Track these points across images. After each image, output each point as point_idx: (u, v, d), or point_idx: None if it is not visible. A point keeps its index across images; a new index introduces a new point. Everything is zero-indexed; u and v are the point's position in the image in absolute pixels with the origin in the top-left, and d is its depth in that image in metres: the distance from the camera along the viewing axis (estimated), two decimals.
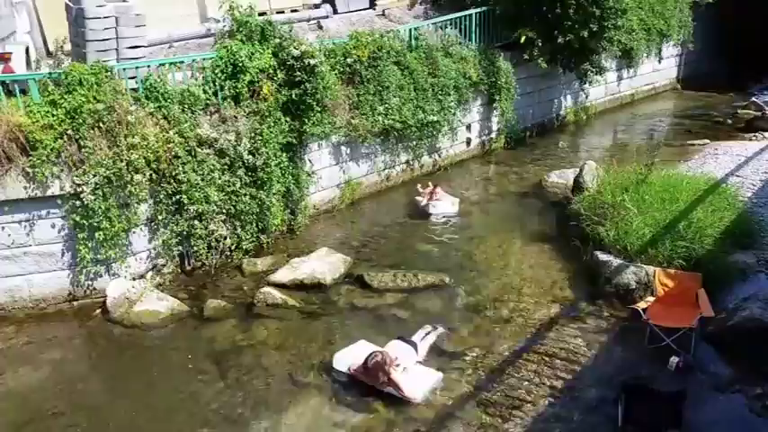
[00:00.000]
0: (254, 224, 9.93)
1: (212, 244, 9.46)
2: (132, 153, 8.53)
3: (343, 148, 11.84)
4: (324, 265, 9.41)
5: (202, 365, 7.51)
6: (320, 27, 14.77)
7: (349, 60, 11.46)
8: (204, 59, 9.93)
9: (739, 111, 17.40)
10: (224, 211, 9.48)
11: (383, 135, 12.27)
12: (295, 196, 10.74)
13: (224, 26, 10.64)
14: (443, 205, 11.55)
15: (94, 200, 8.33)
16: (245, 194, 9.62)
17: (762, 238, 9.57)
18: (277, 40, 10.26)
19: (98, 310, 8.66)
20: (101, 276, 8.88)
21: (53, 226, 8.52)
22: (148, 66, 9.43)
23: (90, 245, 8.55)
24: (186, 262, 9.60)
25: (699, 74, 20.98)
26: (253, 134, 9.76)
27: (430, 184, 11.98)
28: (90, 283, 8.85)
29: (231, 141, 9.46)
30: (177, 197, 9.05)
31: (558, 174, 13.08)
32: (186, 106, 9.31)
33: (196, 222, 9.23)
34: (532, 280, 9.14)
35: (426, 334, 7.67)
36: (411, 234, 10.94)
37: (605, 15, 14.14)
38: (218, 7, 10.55)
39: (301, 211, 10.92)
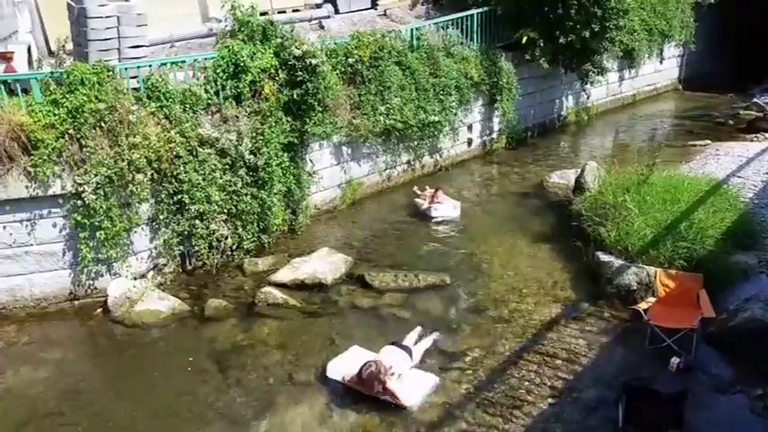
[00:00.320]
0: (256, 224, 9.94)
1: (213, 244, 9.46)
2: (134, 153, 8.53)
3: (344, 148, 11.84)
4: (325, 264, 9.41)
5: (203, 365, 7.51)
6: (322, 27, 14.77)
7: (350, 60, 11.47)
8: (206, 59, 9.94)
9: (741, 111, 17.40)
10: (225, 210, 9.48)
11: (384, 135, 12.27)
12: (296, 196, 10.74)
13: (225, 26, 10.65)
14: (445, 208, 11.50)
15: (96, 199, 8.33)
16: (246, 194, 9.62)
17: (763, 239, 9.57)
18: (278, 40, 10.27)
19: (99, 310, 8.66)
20: (102, 276, 8.89)
21: (54, 225, 8.53)
22: (150, 65, 9.44)
23: (91, 244, 8.56)
24: (187, 261, 9.61)
25: (700, 74, 20.96)
26: (254, 134, 9.77)
27: (427, 187, 11.96)
28: (91, 282, 8.86)
29: (232, 141, 9.46)
30: (178, 197, 9.05)
31: (560, 174, 13.08)
32: (188, 106, 9.32)
33: (197, 222, 9.23)
34: (533, 280, 9.13)
35: (420, 338, 7.62)
36: (412, 234, 10.94)
37: (607, 16, 14.13)
38: (219, 7, 10.56)
39: (302, 210, 10.92)
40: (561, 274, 9.27)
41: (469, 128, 14.47)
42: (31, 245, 8.51)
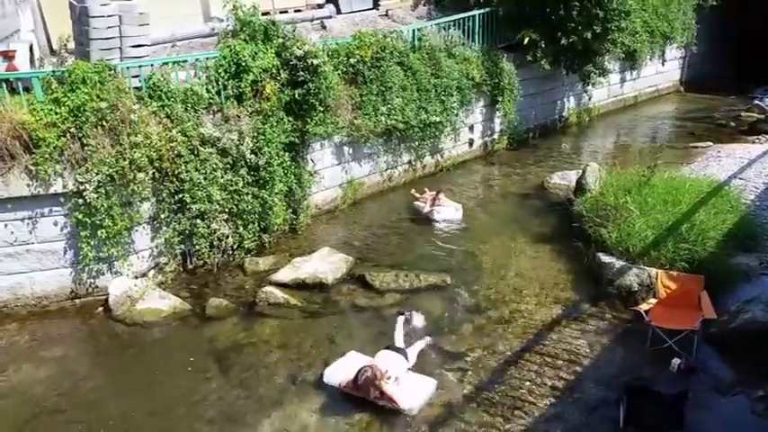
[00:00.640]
0: (257, 223, 9.94)
1: (214, 243, 9.47)
2: (135, 152, 8.54)
3: (345, 148, 11.84)
4: (326, 264, 9.41)
5: (204, 364, 7.51)
6: (323, 27, 14.78)
7: (352, 60, 11.48)
8: (207, 59, 9.94)
9: (742, 113, 17.39)
10: (226, 210, 9.49)
11: (385, 135, 12.28)
12: (297, 196, 10.75)
13: (227, 25, 10.64)
14: (447, 211, 11.43)
15: (97, 198, 8.34)
16: (247, 194, 9.63)
17: (765, 240, 9.57)
18: (280, 40, 10.27)
19: (100, 308, 8.67)
20: (103, 274, 8.89)
21: (56, 224, 8.53)
22: (152, 64, 9.45)
23: (92, 243, 8.57)
24: (188, 260, 9.61)
25: (702, 76, 20.95)
26: (255, 133, 9.78)
27: (426, 189, 11.94)
28: (92, 280, 8.86)
29: (234, 141, 9.47)
30: (180, 196, 9.06)
31: (561, 175, 13.08)
32: (189, 105, 9.33)
33: (198, 221, 9.24)
34: (534, 281, 9.13)
35: (406, 321, 7.68)
36: (413, 234, 10.94)
37: (609, 17, 14.13)
38: (221, 6, 10.56)
39: (303, 210, 10.93)
40: (562, 275, 9.27)
41: (471, 128, 14.47)
42: (33, 243, 8.51)
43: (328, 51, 11.16)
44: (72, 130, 8.33)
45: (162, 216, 9.11)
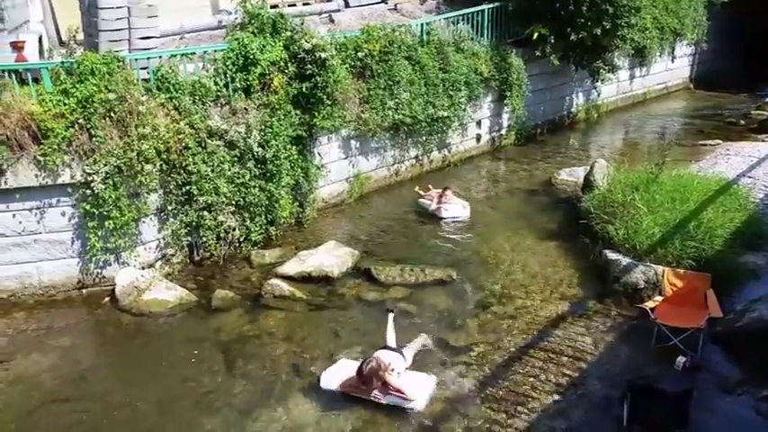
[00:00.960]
0: (263, 216, 9.96)
1: (221, 235, 9.50)
2: (143, 143, 8.57)
3: (352, 141, 11.84)
4: (331, 258, 9.43)
5: (209, 355, 7.55)
6: (332, 20, 14.73)
7: (360, 54, 11.46)
8: (216, 51, 9.95)
9: (752, 111, 17.28)
10: (233, 202, 9.52)
11: (393, 130, 12.26)
12: (304, 189, 10.76)
13: (236, 18, 10.66)
14: (455, 209, 11.31)
15: (105, 189, 8.38)
16: (254, 186, 9.65)
17: None
18: (288, 33, 10.27)
19: (107, 298, 8.72)
20: (110, 265, 8.94)
21: (63, 214, 8.58)
22: (160, 56, 9.47)
23: (100, 233, 8.61)
24: (195, 252, 9.65)
25: (712, 74, 20.83)
26: (263, 126, 9.79)
27: (430, 186, 11.90)
28: (99, 271, 8.91)
29: (241, 133, 9.49)
30: (187, 188, 9.09)
31: (568, 171, 13.06)
32: (197, 98, 9.35)
33: (205, 213, 9.27)
34: (540, 277, 9.12)
35: (393, 330, 7.48)
36: (419, 229, 10.94)
37: (619, 13, 14.06)
38: None
39: (310, 204, 10.94)
40: (568, 272, 9.25)
41: (478, 124, 14.44)
42: (40, 233, 8.56)
43: (336, 45, 11.15)
44: (80, 121, 8.36)
45: (169, 208, 9.14)
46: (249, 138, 9.53)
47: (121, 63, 8.80)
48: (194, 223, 9.31)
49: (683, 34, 19.38)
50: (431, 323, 8.09)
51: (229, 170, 9.40)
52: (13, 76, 8.39)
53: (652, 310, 7.59)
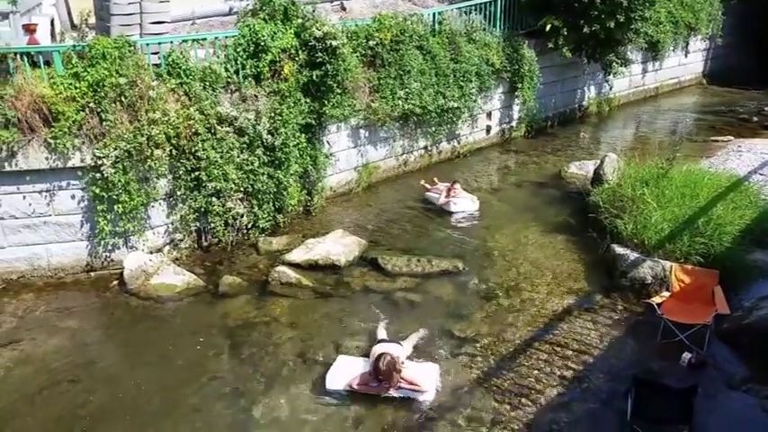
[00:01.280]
0: (271, 203, 9.99)
1: (229, 221, 9.53)
2: (153, 128, 8.59)
3: (361, 131, 11.82)
4: (338, 246, 9.44)
5: (215, 339, 7.60)
6: (343, 8, 14.69)
7: (371, 43, 11.42)
8: (227, 37, 9.94)
9: (766, 108, 17.11)
10: (242, 189, 9.54)
11: (402, 120, 12.23)
12: (312, 177, 10.77)
13: (247, 5, 10.63)
14: (464, 203, 11.19)
15: (114, 173, 8.41)
16: (262, 174, 9.67)
17: None
18: (300, 21, 10.25)
19: (115, 282, 8.78)
20: (118, 248, 8.99)
21: (73, 197, 8.63)
22: (171, 42, 9.47)
23: (109, 217, 8.66)
24: (203, 238, 9.69)
25: (726, 69, 20.63)
26: (272, 114, 9.80)
27: (436, 179, 11.85)
28: (108, 254, 8.97)
29: (251, 120, 9.49)
30: (196, 174, 9.11)
31: (578, 165, 13.01)
32: (207, 84, 9.35)
33: (214, 199, 9.30)
34: (547, 270, 9.10)
35: (381, 328, 7.54)
36: (426, 220, 10.93)
37: (632, 6, 13.93)
38: None
39: (318, 192, 10.95)
40: (575, 265, 9.23)
41: (489, 115, 14.39)
42: (50, 215, 8.62)
43: (347, 33, 11.11)
44: (91, 104, 8.38)
45: (178, 193, 9.18)
46: (258, 125, 9.54)
47: (133, 48, 8.80)
48: (203, 209, 9.35)
49: (698, 29, 19.20)
50: (437, 313, 8.10)
51: (238, 157, 9.42)
52: (25, 59, 8.42)
53: (659, 305, 7.57)
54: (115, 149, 8.37)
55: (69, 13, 12.39)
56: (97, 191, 8.48)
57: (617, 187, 10.15)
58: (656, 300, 7.71)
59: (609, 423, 6.30)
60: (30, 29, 9.40)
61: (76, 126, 8.31)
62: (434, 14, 12.87)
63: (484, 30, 13.58)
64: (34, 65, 8.54)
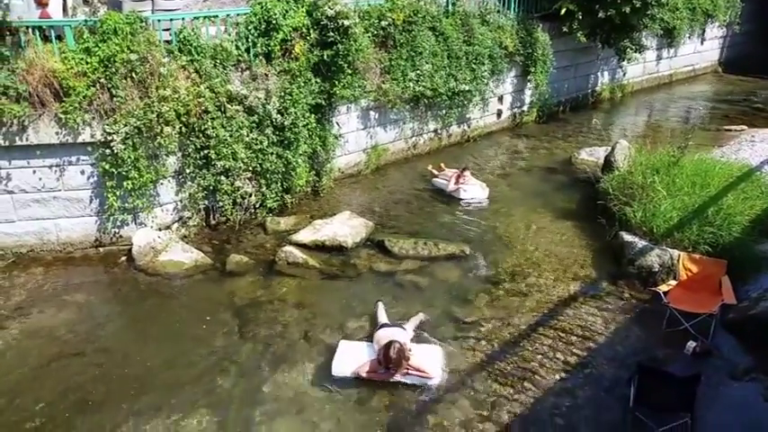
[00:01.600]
0: (280, 183, 10.00)
1: (237, 200, 9.56)
2: (163, 105, 8.59)
3: (371, 112, 11.78)
4: (346, 228, 9.46)
5: (222, 317, 7.66)
6: None
7: (383, 23, 11.34)
8: (238, 15, 9.89)
9: None
10: (250, 168, 9.55)
11: (413, 102, 12.18)
12: (321, 158, 10.77)
13: None
14: (474, 190, 11.07)
15: (124, 149, 8.44)
16: (271, 153, 9.67)
17: None
18: None
19: (123, 258, 8.85)
20: (127, 225, 9.05)
21: (82, 172, 8.67)
22: (183, 18, 9.43)
23: (118, 193, 8.70)
24: (211, 216, 9.73)
25: (742, 57, 20.36)
26: (282, 93, 9.77)
27: (442, 164, 11.78)
28: (116, 230, 9.03)
29: (261, 99, 9.47)
30: (205, 152, 9.13)
31: (589, 151, 12.94)
32: (218, 61, 9.33)
33: (222, 178, 9.32)
34: (554, 256, 9.08)
35: (381, 310, 7.53)
36: (434, 203, 10.92)
37: None
38: None
39: (326, 173, 10.95)
40: (583, 252, 9.21)
41: (500, 99, 14.30)
42: (60, 190, 8.67)
43: (360, 13, 11.04)
44: (102, 80, 8.40)
45: (187, 171, 9.20)
46: (268, 104, 9.52)
47: (144, 24, 8.78)
48: (211, 187, 9.38)
49: (716, 16, 18.92)
50: (442, 297, 8.11)
51: (248, 136, 9.42)
52: (37, 33, 8.42)
53: (665, 293, 7.55)
54: (125, 126, 8.39)
55: None
56: (107, 167, 8.51)
57: (627, 174, 10.09)
58: (663, 288, 7.68)
59: (611, 409, 6.31)
60: (42, 3, 9.37)
61: (87, 101, 8.33)
62: None
63: (498, 12, 13.46)
64: (46, 39, 8.55)
